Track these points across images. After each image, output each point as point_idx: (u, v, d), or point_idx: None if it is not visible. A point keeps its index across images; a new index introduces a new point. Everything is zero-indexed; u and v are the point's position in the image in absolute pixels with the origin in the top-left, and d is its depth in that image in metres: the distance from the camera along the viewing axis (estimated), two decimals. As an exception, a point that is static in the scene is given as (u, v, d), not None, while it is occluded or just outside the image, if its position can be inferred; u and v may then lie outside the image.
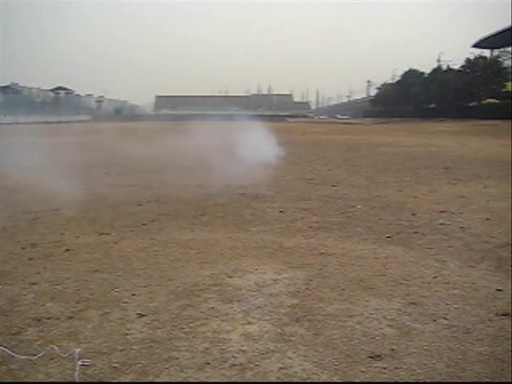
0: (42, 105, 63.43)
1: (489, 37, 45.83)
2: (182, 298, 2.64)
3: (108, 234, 4.10)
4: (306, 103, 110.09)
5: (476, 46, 47.93)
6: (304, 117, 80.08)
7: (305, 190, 6.38)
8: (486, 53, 46.13)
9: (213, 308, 2.48)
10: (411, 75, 54.24)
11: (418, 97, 51.05)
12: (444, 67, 50.57)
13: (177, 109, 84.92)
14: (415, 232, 4.15)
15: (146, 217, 4.76)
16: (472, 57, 43.89)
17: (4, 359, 1.97)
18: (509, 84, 41.04)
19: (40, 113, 50.82)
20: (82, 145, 15.02)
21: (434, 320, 2.41)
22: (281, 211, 5.06)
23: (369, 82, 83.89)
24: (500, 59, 44.02)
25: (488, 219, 4.63)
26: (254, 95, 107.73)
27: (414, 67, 54.81)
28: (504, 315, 2.45)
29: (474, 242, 3.87)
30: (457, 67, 46.51)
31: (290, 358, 2.01)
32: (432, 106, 50.48)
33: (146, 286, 2.83)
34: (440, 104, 47.44)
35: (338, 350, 2.09)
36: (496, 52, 46.68)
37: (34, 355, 1.99)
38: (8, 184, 6.63)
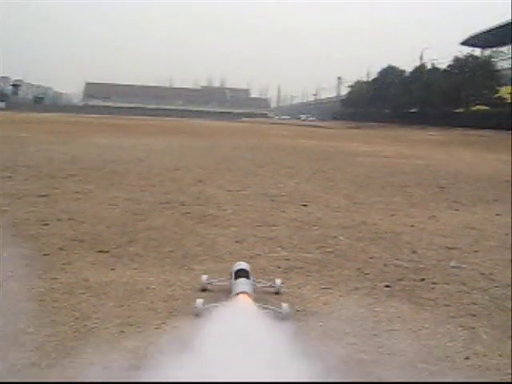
0: None
1: (480, 34, 45.10)
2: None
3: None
4: (265, 100, 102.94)
5: (465, 43, 47.11)
6: (263, 116, 74.61)
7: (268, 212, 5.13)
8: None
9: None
10: (389, 73, 51.69)
11: (397, 99, 48.21)
12: (428, 66, 47.54)
13: (111, 100, 78.41)
14: (422, 279, 3.34)
15: (50, 243, 3.59)
16: (459, 55, 41.53)
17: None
18: (502, 89, 39.08)
19: None
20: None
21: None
22: (237, 241, 3.88)
23: (339, 78, 79.65)
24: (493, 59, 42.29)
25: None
26: (205, 87, 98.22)
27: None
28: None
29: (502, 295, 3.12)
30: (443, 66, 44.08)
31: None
32: (413, 110, 48.08)
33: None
34: (422, 108, 45.09)
35: None
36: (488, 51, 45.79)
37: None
38: None
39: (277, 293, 2.66)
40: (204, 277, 2.73)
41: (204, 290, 2.67)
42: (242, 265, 2.58)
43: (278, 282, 2.70)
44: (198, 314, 2.31)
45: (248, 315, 2.11)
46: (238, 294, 2.28)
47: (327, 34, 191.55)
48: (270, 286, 2.69)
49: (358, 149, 16.18)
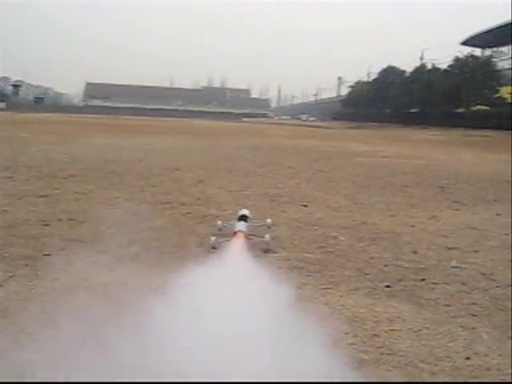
0: None
1: (480, 34, 45.14)
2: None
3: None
4: (266, 100, 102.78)
5: (466, 43, 47.12)
6: (263, 116, 74.94)
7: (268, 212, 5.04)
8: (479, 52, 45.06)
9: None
10: (390, 73, 51.46)
11: (397, 99, 47.99)
12: (429, 66, 47.23)
13: (111, 100, 78.49)
14: (422, 279, 3.21)
15: (51, 243, 3.58)
16: (460, 56, 41.12)
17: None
18: (502, 89, 38.85)
19: None
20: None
21: None
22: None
23: (340, 78, 79.55)
24: (494, 59, 42.02)
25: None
26: (205, 87, 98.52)
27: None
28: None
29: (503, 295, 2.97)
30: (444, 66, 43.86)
31: None
32: (413, 110, 47.60)
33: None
34: (423, 108, 44.69)
35: None
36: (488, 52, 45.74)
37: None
38: None
39: (269, 227, 3.79)
40: (219, 222, 3.85)
41: (220, 230, 3.76)
42: (244, 211, 3.66)
43: (269, 220, 3.88)
44: (213, 247, 3.36)
45: (237, 246, 3.21)
46: (235, 232, 3.33)
47: (327, 34, 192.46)
48: (263, 224, 3.82)
49: (358, 149, 16.07)
